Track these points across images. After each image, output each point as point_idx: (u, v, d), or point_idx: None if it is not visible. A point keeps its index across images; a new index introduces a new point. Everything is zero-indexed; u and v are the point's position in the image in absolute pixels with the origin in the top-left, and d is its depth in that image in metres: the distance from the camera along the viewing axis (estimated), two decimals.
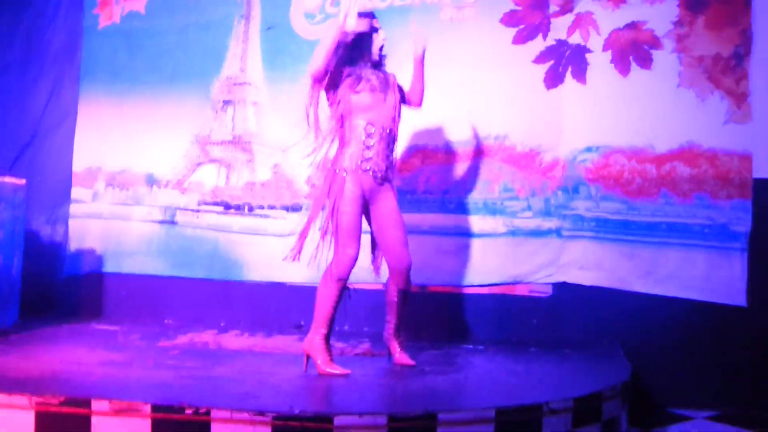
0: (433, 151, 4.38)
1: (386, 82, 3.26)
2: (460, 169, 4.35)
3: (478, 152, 4.30)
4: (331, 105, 3.16)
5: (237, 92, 4.84)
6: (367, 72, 3.22)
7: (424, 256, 4.01)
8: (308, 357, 3.13)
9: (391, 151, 3.27)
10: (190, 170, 4.90)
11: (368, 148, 3.16)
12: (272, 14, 4.77)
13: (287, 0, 4.71)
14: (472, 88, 4.27)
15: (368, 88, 3.17)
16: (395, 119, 3.23)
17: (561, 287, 4.08)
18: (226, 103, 4.87)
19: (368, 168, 3.14)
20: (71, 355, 3.33)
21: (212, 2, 4.84)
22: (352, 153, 3.16)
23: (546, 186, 4.20)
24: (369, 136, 3.16)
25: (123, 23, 5.06)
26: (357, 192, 3.14)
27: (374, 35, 3.25)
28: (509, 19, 4.36)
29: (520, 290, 4.21)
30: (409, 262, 3.22)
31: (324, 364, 3.06)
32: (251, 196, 4.76)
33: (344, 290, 3.12)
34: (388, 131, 3.22)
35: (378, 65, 3.27)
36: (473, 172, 4.31)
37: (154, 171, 4.98)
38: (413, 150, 4.37)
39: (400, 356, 3.30)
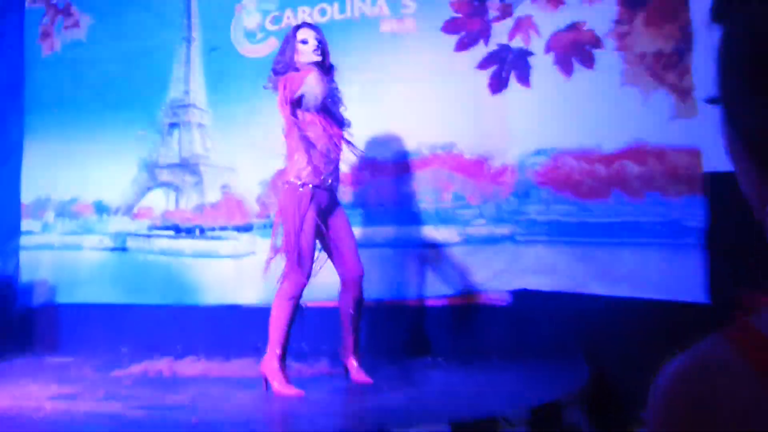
0: (383, 164, 4.25)
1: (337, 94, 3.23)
2: (411, 180, 4.23)
3: (427, 162, 4.19)
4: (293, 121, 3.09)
5: (182, 115, 4.70)
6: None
7: (379, 270, 3.88)
8: (266, 379, 3.03)
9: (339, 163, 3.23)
10: (139, 196, 4.74)
11: (328, 162, 3.12)
12: (214, 36, 4.64)
13: (227, 21, 4.58)
14: (417, 99, 4.16)
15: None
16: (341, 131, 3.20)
17: (520, 294, 3.92)
18: (172, 126, 4.72)
19: (329, 182, 3.11)
20: (21, 390, 3.19)
21: (154, 27, 4.69)
22: (315, 166, 3.07)
23: (497, 192, 4.07)
24: (329, 149, 3.12)
25: (65, 52, 4.90)
26: (316, 209, 3.07)
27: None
28: (450, 27, 4.23)
29: (478, 300, 4.05)
30: (362, 271, 3.15)
31: (280, 386, 2.95)
32: (202, 218, 4.59)
33: (297, 309, 3.03)
34: (339, 143, 3.18)
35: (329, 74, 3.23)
36: (424, 183, 4.20)
37: (103, 198, 4.80)
38: (363, 164, 4.21)
39: (358, 374, 3.18)
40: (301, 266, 2.97)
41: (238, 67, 4.54)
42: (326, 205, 3.10)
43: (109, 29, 4.85)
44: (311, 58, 3.13)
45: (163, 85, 4.73)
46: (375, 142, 4.19)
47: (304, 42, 3.20)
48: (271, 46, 4.40)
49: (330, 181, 3.09)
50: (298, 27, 3.29)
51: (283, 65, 3.15)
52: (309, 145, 3.07)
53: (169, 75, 4.73)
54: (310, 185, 3.05)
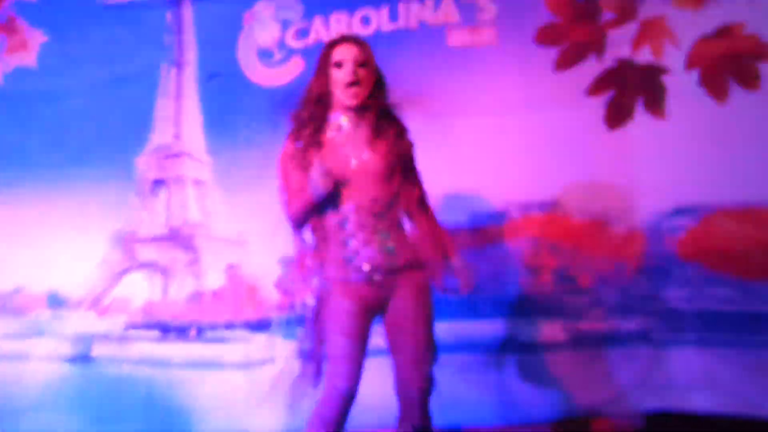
0: (451, 231, 4.16)
1: (366, 135, 3.28)
2: (494, 254, 4.37)
3: (518, 228, 4.31)
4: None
5: (171, 168, 4.86)
6: (335, 127, 3.28)
7: (451, 383, 3.87)
8: None
9: (391, 230, 3.24)
10: (110, 282, 4.87)
11: (348, 238, 3.18)
12: (214, 57, 4.81)
13: (233, 37, 4.77)
14: (501, 138, 4.30)
15: (322, 168, 3.19)
16: (381, 186, 3.23)
17: (659, 419, 4.01)
18: (158, 183, 4.89)
19: (357, 272, 3.15)
20: None
21: (130, 48, 4.88)
22: (331, 256, 3.21)
23: (621, 270, 4.14)
24: (346, 223, 3.19)
25: (9, 84, 5.10)
26: (352, 308, 3.15)
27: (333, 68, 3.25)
28: (547, 36, 4.38)
29: (599, 426, 4.13)
30: (420, 387, 3.16)
31: None
32: (199, 311, 4.72)
33: None
34: (371, 208, 3.22)
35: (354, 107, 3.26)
36: (513, 258, 4.31)
37: (60, 288, 4.91)
38: None
39: None
40: (336, 378, 3.08)
41: (249, 99, 4.70)
42: (373, 296, 3.17)
43: (68, 52, 5.03)
44: (344, 98, 3.19)
45: (143, 127, 4.89)
46: (443, 200, 4.29)
47: (338, 65, 3.25)
48: (295, 69, 4.62)
49: (360, 265, 3.15)
50: (333, 43, 3.34)
51: (306, 108, 3.25)
52: (316, 237, 3.25)
53: (153, 113, 4.90)
54: (331, 281, 3.20)
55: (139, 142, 4.92)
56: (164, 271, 4.86)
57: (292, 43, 4.74)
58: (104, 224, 4.93)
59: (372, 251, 3.17)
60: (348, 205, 3.19)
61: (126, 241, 4.91)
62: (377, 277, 3.16)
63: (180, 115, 4.89)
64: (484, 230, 4.41)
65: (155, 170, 4.92)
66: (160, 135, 4.93)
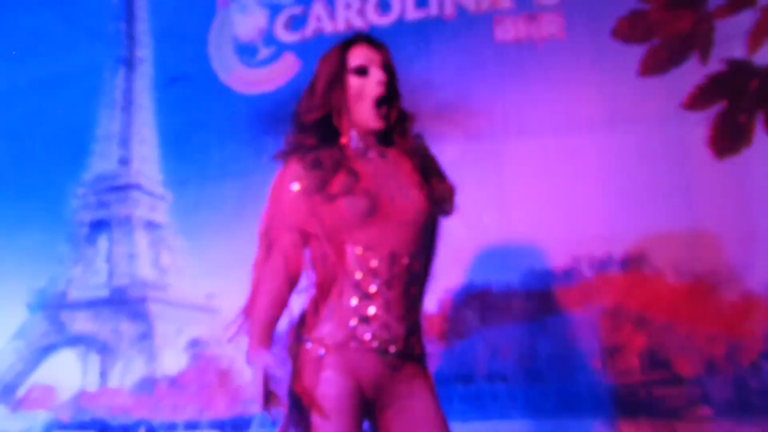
0: (501, 296, 4.39)
1: (398, 168, 3.22)
2: (558, 328, 4.38)
3: (591, 293, 4.28)
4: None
5: (116, 205, 4.88)
6: (357, 153, 3.19)
7: None
8: None
9: (417, 300, 3.19)
10: (29, 366, 4.86)
11: (366, 299, 3.09)
12: (176, 54, 4.85)
13: (202, 27, 4.80)
14: (566, 167, 4.32)
15: (358, 187, 3.12)
16: (421, 238, 3.18)
17: None
18: (97, 226, 4.92)
19: (369, 339, 3.08)
20: None
21: (62, 42, 4.95)
22: (336, 313, 3.12)
23: (735, 351, 4.09)
24: (367, 275, 3.09)
25: None
26: (347, 387, 3.10)
27: (360, 76, 3.18)
28: (630, 29, 4.39)
29: None
30: None
31: None
32: (152, 405, 4.69)
33: None
34: (406, 264, 3.15)
35: (383, 136, 3.23)
36: (584, 333, 4.29)
37: None
38: (459, 294, 4.37)
39: None
40: None
41: (223, 111, 4.74)
42: (373, 379, 3.14)
43: None
44: (369, 118, 3.17)
45: (80, 149, 4.94)
46: (488, 254, 4.38)
47: (362, 71, 3.23)
48: (287, 70, 4.63)
49: (371, 337, 3.11)
50: (348, 41, 3.31)
51: (300, 131, 3.21)
52: (325, 272, 3.19)
53: (93, 129, 4.94)
54: (327, 347, 3.12)
55: (72, 169, 4.98)
56: (103, 349, 4.85)
57: (284, 35, 4.77)
58: (19, 283, 4.99)
59: (394, 321, 3.13)
60: (374, 254, 3.14)
61: (51, 307, 4.93)
62: (391, 355, 3.14)
63: (129, 133, 4.91)
64: (545, 295, 4.42)
65: (94, 208, 4.95)
66: (101, 160, 4.96)
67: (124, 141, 4.82)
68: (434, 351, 4.33)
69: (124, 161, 4.82)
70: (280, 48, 4.71)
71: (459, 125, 4.35)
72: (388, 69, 3.21)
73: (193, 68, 4.77)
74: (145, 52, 4.83)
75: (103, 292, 4.82)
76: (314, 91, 3.21)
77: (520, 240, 4.44)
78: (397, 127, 3.22)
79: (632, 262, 4.35)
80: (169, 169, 4.81)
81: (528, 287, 4.45)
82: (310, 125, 3.18)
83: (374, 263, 3.11)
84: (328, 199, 3.10)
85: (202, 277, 4.69)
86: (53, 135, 4.88)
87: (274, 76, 4.65)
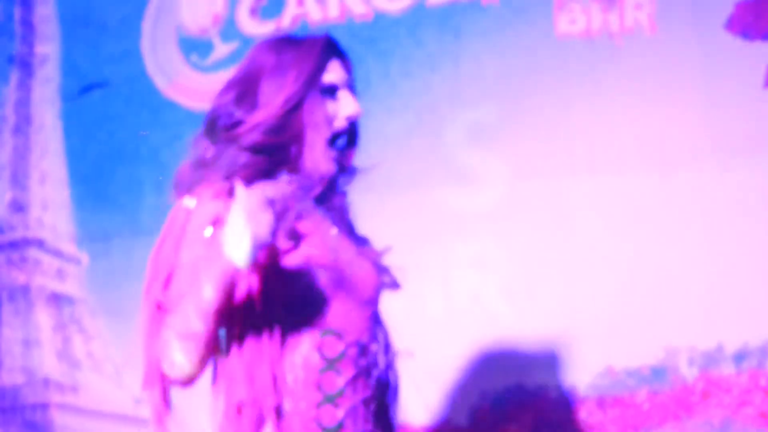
0: (560, 404, 4.16)
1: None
2: None
3: (689, 400, 4.06)
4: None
5: (6, 269, 4.64)
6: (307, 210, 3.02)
7: None
8: None
9: (392, 402, 3.10)
10: None
11: (333, 403, 2.90)
12: (92, 53, 4.62)
13: (132, 13, 4.61)
14: (651, 219, 4.13)
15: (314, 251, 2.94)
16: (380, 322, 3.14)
17: None
18: None
19: None
20: None
21: None
22: (291, 421, 2.91)
23: None
24: (330, 371, 2.90)
25: None
26: None
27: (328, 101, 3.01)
28: (757, 19, 4.10)
29: None
30: None
31: None
32: None
33: None
34: (375, 350, 3.03)
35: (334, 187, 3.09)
36: None
37: None
38: (502, 401, 4.14)
39: None
40: None
41: (161, 134, 4.47)
42: None
43: None
44: (324, 158, 2.96)
45: None
46: (542, 344, 4.14)
47: (331, 92, 3.02)
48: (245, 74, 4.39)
49: None
50: (328, 47, 3.08)
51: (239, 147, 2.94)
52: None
53: None
54: None
55: None
56: None
57: (250, 25, 4.53)
58: None
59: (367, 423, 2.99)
60: (342, 337, 2.95)
61: None
62: None
63: (26, 166, 4.65)
64: (623, 403, 4.13)
65: None
66: None
67: (19, 177, 4.57)
68: None
69: (18, 207, 4.53)
70: (245, 43, 4.44)
71: (501, 156, 4.11)
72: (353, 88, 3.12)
73: (118, 71, 4.54)
74: (48, 47, 4.61)
75: None
76: (270, 99, 2.94)
77: (588, 324, 4.19)
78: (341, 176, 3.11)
79: (752, 357, 4.07)
80: (85, 218, 4.59)
81: (600, 392, 4.19)
82: (254, 146, 2.92)
83: (338, 349, 2.92)
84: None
85: (129, 374, 4.39)
86: None
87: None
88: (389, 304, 3.99)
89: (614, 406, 4.17)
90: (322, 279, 2.91)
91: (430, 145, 4.14)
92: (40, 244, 4.51)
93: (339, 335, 2.93)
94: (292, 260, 2.91)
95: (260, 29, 4.50)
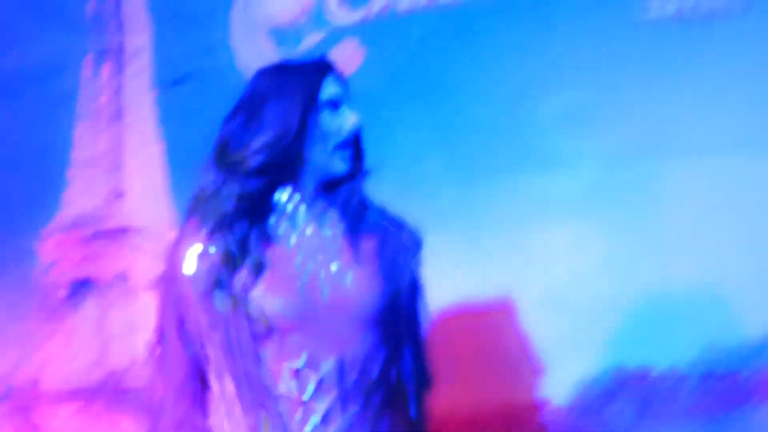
0: (665, 382, 4.19)
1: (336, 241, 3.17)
2: (747, 427, 4.17)
3: None
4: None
5: (107, 257, 4.64)
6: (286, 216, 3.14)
7: None
8: None
9: (386, 412, 3.12)
10: None
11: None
12: (184, 45, 4.65)
13: (221, 5, 4.61)
14: (748, 197, 4.15)
15: (282, 275, 3.05)
16: (375, 334, 3.07)
17: None
18: (79, 289, 4.65)
19: None
20: None
21: (17, 25, 4.75)
22: None
23: None
24: (308, 393, 3.00)
25: None
26: None
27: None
28: None
29: None
30: None
31: None
32: None
33: None
34: (358, 371, 3.05)
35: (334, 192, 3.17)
36: None
37: None
38: (604, 380, 4.20)
39: None
40: None
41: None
42: None
43: None
44: (334, 164, 3.10)
45: (49, 180, 4.72)
46: (645, 319, 4.18)
47: (333, 106, 3.14)
48: (346, 62, 4.30)
49: None
50: (322, 65, 3.23)
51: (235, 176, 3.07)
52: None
53: (67, 151, 4.71)
54: None
55: (40, 209, 4.74)
56: None
57: (340, 14, 4.53)
58: None
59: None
60: (308, 372, 3.02)
61: (18, 401, 4.67)
62: None
63: (121, 155, 4.68)
64: (731, 380, 4.15)
65: (74, 263, 4.70)
66: (82, 194, 4.71)
67: (116, 166, 4.60)
68: None
69: (116, 195, 4.58)
70: (334, 33, 4.49)
71: (596, 139, 4.12)
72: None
73: (209, 62, 4.55)
74: (140, 39, 4.64)
75: (92, 379, 4.58)
76: (276, 121, 3.06)
77: (689, 302, 4.22)
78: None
79: None
80: (183, 205, 4.41)
81: (707, 368, 4.20)
82: (261, 167, 3.04)
83: (310, 377, 2.99)
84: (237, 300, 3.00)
85: None
86: (9, 161, 4.74)
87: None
88: (490, 288, 4.11)
89: (717, 383, 4.17)
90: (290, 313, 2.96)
91: (523, 129, 4.13)
92: (139, 231, 4.57)
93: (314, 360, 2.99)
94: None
95: (349, 18, 4.52)
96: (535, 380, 4.31)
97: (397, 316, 3.11)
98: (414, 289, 3.23)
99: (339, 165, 3.07)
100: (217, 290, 2.98)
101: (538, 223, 4.15)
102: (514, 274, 4.12)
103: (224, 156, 3.10)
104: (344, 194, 3.14)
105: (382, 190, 4.28)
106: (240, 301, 2.98)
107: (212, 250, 3.00)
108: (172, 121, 4.67)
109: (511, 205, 4.17)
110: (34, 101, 4.74)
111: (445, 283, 4.19)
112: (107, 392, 4.71)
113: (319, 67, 3.17)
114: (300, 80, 3.11)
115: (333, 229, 3.10)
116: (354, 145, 3.13)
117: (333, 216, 3.12)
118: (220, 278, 3.00)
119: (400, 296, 3.13)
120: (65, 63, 4.72)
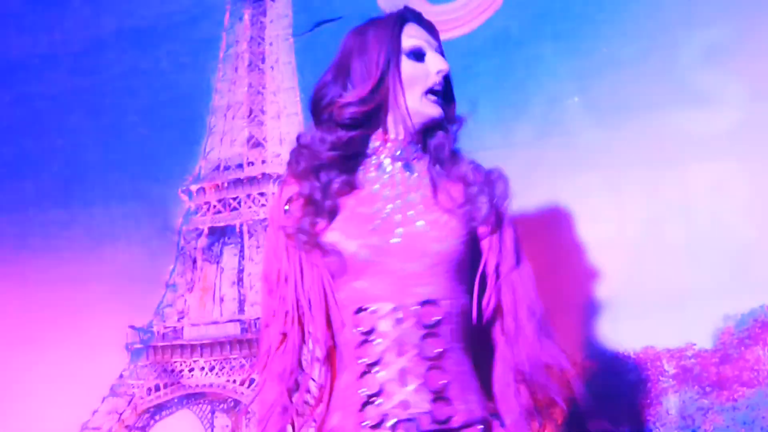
0: None
1: (422, 185, 3.21)
2: None
3: None
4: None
5: (247, 205, 4.69)
6: (368, 172, 3.22)
7: None
8: None
9: (446, 356, 3.09)
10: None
11: (372, 367, 3.03)
12: None
13: None
14: None
15: (359, 218, 3.12)
16: (447, 272, 3.09)
17: None
18: (219, 236, 4.73)
19: (383, 424, 3.01)
20: None
21: None
22: (341, 397, 3.12)
23: None
24: (369, 335, 3.04)
25: None
26: None
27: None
28: None
29: None
30: None
31: None
32: None
33: None
34: (421, 308, 3.07)
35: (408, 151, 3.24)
36: None
37: None
38: (748, 323, 4.04)
39: None
40: None
41: None
42: None
43: None
44: (426, 107, 3.15)
45: (188, 128, 4.77)
46: None
47: (417, 55, 3.22)
48: (485, 3, 4.32)
49: (386, 418, 2.98)
50: (401, 17, 3.29)
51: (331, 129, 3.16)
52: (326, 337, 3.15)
53: (206, 98, 4.78)
54: None
55: (180, 156, 4.80)
56: (234, 409, 4.62)
57: None
58: (118, 316, 4.77)
59: (413, 396, 3.03)
60: (378, 307, 3.06)
61: (160, 350, 4.74)
62: None
63: (261, 102, 4.69)
64: None
65: (214, 211, 4.75)
66: (221, 142, 4.75)
67: (255, 113, 4.63)
68: (709, 405, 4.06)
69: (255, 143, 4.59)
70: None
71: (738, 76, 3.99)
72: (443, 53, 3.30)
73: (349, 6, 4.43)
74: None
75: (232, 329, 4.61)
76: (360, 75, 3.19)
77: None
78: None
79: None
80: None
81: None
82: (350, 121, 3.14)
83: (381, 323, 3.04)
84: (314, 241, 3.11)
85: None
86: (149, 107, 4.79)
87: (467, 13, 4.31)
88: (628, 232, 4.04)
89: None
90: (363, 254, 3.01)
91: (665, 67, 4.07)
92: (278, 179, 4.53)
93: (385, 314, 3.01)
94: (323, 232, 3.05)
95: None
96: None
97: (476, 261, 3.11)
98: (499, 223, 3.18)
99: (430, 109, 3.13)
100: (299, 233, 3.06)
101: (677, 164, 4.07)
102: (652, 216, 4.07)
103: (318, 110, 3.19)
104: (438, 140, 3.18)
105: (522, 129, 4.27)
106: (316, 244, 3.05)
107: (299, 195, 3.09)
108: (311, 68, 4.60)
109: (650, 145, 4.10)
110: (175, 49, 4.78)
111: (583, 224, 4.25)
112: (247, 343, 4.73)
113: (398, 19, 3.23)
114: (380, 34, 3.17)
115: (420, 174, 3.14)
116: (444, 90, 3.18)
117: (423, 162, 3.17)
118: (303, 222, 3.07)
119: (479, 235, 3.13)
120: (206, 10, 4.74)
